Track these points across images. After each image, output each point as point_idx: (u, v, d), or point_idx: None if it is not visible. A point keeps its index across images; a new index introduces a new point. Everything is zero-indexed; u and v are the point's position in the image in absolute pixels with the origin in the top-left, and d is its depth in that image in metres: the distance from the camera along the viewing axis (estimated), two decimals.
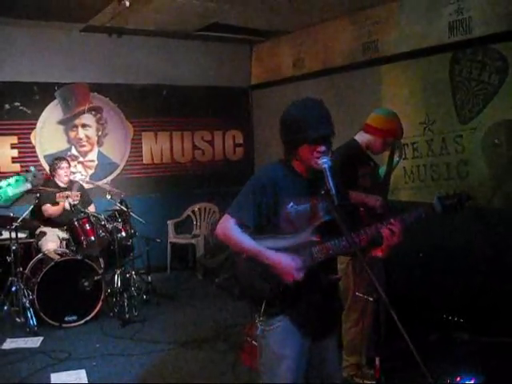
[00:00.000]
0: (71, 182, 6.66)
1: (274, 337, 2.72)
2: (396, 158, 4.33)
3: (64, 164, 6.49)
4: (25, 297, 5.60)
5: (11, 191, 4.84)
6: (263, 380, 2.80)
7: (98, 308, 5.80)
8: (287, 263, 2.61)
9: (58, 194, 6.15)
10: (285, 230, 2.71)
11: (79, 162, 7.59)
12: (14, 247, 5.70)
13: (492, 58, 5.10)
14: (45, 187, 6.19)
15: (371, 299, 2.72)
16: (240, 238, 2.68)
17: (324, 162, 2.63)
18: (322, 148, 2.65)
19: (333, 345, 2.91)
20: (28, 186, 5.21)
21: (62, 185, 6.47)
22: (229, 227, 2.71)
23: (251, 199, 2.69)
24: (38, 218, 6.40)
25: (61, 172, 6.46)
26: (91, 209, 6.61)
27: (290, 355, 2.71)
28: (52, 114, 7.35)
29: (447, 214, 2.93)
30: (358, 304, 4.09)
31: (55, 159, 6.63)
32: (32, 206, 6.12)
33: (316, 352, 2.81)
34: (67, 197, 6.23)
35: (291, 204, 2.70)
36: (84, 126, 7.59)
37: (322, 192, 2.64)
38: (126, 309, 5.87)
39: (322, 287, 2.74)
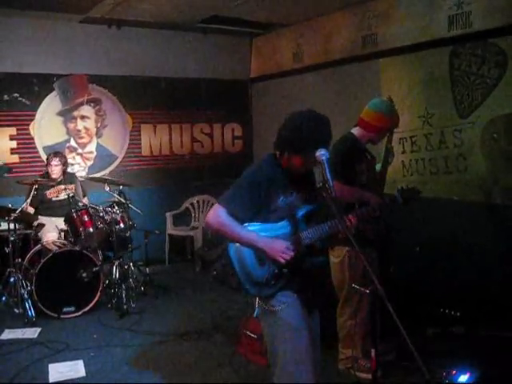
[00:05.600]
0: (66, 174, 6.66)
1: (288, 313, 2.88)
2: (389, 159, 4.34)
3: (54, 162, 6.45)
4: (23, 288, 5.61)
5: None
6: (283, 359, 2.88)
7: (95, 299, 5.81)
8: (278, 245, 2.82)
9: (48, 192, 6.26)
10: (274, 218, 2.91)
11: (78, 154, 7.58)
12: (12, 238, 5.70)
13: (491, 52, 5.09)
14: (42, 178, 6.28)
15: (367, 291, 2.72)
16: (232, 225, 2.83)
17: (322, 155, 2.75)
18: (311, 163, 2.86)
19: (317, 325, 3.13)
20: None
21: (55, 176, 6.46)
22: (220, 215, 2.84)
23: (245, 193, 2.84)
24: (37, 207, 6.41)
25: (50, 169, 6.46)
26: (84, 201, 6.64)
27: (306, 327, 2.91)
28: (51, 105, 7.34)
29: (405, 204, 3.57)
30: (352, 297, 4.11)
31: (49, 154, 6.62)
32: (31, 198, 6.13)
33: None
34: (59, 192, 6.38)
35: (282, 198, 2.89)
36: (83, 117, 7.58)
37: (320, 184, 2.75)
38: (124, 300, 5.87)
39: (311, 267, 2.98)
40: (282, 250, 2.81)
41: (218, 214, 2.85)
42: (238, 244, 2.88)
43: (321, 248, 3.06)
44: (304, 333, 2.88)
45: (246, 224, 2.88)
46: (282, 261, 2.80)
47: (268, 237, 2.86)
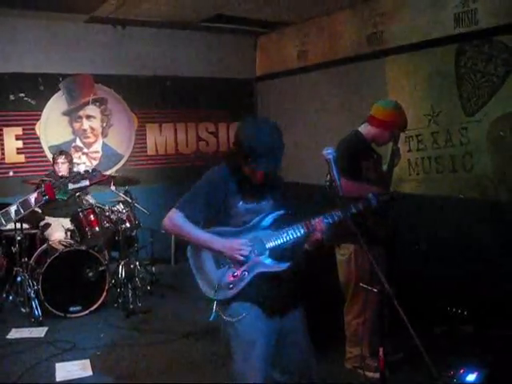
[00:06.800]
0: (72, 173, 6.65)
1: (244, 325, 2.83)
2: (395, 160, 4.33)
3: (61, 159, 6.43)
4: (30, 287, 5.62)
5: (71, 186, 4.93)
6: (234, 368, 2.89)
7: (102, 299, 5.82)
8: (234, 243, 2.80)
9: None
10: (236, 223, 2.89)
11: (84, 153, 7.60)
12: (18, 238, 5.71)
13: (498, 50, 5.07)
14: (47, 177, 6.26)
15: (375, 290, 2.72)
16: (188, 228, 2.84)
17: (328, 153, 2.73)
18: (262, 175, 2.84)
19: (301, 329, 3.02)
20: (86, 182, 5.34)
21: (63, 174, 6.45)
22: (177, 218, 2.86)
23: (202, 198, 2.85)
24: (43, 207, 6.41)
25: (57, 167, 6.45)
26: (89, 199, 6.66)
27: (261, 341, 2.83)
28: (56, 105, 7.36)
29: (381, 208, 3.33)
30: (359, 296, 4.09)
31: (55, 153, 6.62)
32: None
33: (283, 335, 2.93)
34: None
35: (240, 203, 2.87)
36: (88, 117, 7.60)
37: (327, 183, 2.73)
38: (130, 300, 5.87)
39: (275, 273, 2.89)
40: (238, 247, 2.79)
41: (173, 218, 2.87)
42: (196, 247, 2.90)
43: (287, 253, 2.97)
44: (257, 348, 2.81)
45: (211, 229, 2.88)
46: (241, 258, 2.79)
47: (224, 238, 2.84)
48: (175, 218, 2.86)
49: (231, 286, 2.82)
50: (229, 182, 2.87)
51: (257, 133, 2.78)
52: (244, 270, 2.83)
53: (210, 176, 2.95)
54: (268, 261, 2.87)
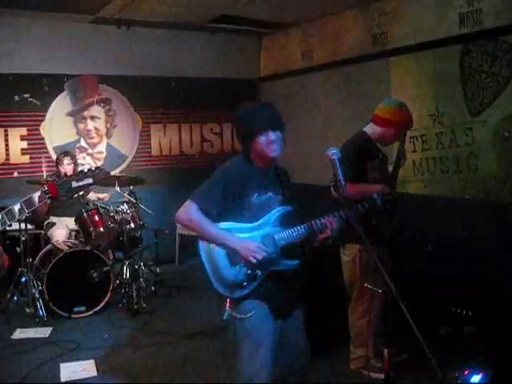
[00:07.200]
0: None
1: (252, 322, 2.85)
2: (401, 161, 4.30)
3: (66, 161, 6.45)
4: (34, 287, 5.64)
5: (75, 184, 4.91)
6: (241, 365, 2.92)
7: (106, 299, 5.82)
8: (249, 245, 2.78)
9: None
10: (248, 217, 2.87)
11: (88, 154, 7.61)
12: (23, 238, 5.72)
13: (503, 50, 5.06)
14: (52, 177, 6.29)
15: (380, 291, 2.71)
16: (203, 223, 2.82)
17: (333, 154, 2.73)
18: (272, 137, 2.80)
19: (300, 327, 3.06)
20: (90, 180, 5.33)
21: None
22: (192, 211, 2.84)
23: (217, 190, 2.82)
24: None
25: (63, 168, 6.45)
26: (92, 196, 6.72)
27: (267, 339, 2.86)
28: (61, 105, 7.36)
29: (384, 207, 3.29)
30: (364, 296, 4.08)
31: (60, 154, 6.63)
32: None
33: (282, 332, 2.96)
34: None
35: (256, 195, 2.86)
36: (93, 117, 7.61)
37: (332, 183, 2.74)
38: (135, 300, 5.87)
39: (284, 271, 2.91)
40: (253, 249, 2.78)
41: (188, 211, 2.85)
42: (209, 242, 2.87)
43: (296, 250, 2.98)
44: (264, 346, 2.84)
45: (222, 224, 2.86)
46: (254, 260, 2.77)
47: (240, 236, 2.84)
48: (190, 212, 2.84)
49: (245, 284, 2.84)
50: (245, 173, 2.87)
51: (247, 107, 2.95)
52: (257, 269, 2.83)
53: (227, 167, 2.94)
54: (279, 259, 2.88)
